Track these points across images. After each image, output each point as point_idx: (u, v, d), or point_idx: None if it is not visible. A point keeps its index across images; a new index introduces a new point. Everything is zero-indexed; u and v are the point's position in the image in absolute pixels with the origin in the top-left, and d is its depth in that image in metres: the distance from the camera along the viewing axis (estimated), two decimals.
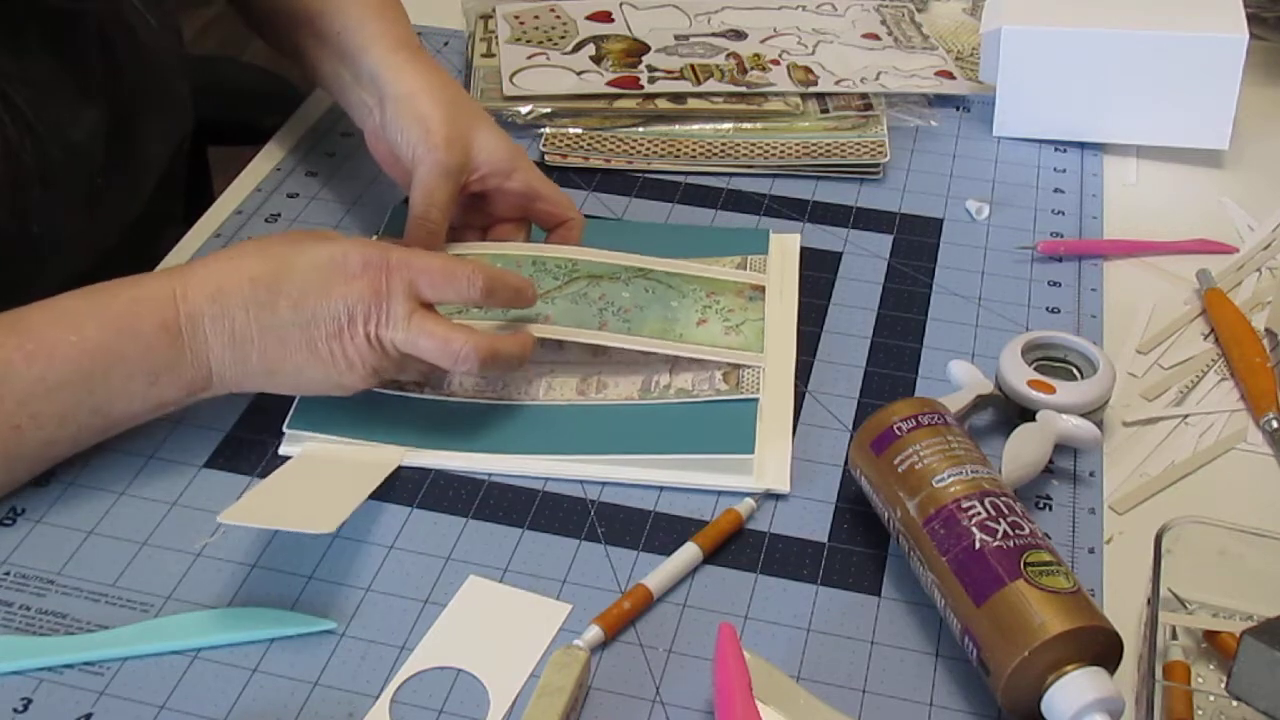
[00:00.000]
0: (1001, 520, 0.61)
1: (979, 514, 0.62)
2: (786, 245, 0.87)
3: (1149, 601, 0.61)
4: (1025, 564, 0.59)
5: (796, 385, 0.77)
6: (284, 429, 0.72)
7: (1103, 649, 0.58)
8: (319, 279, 0.66)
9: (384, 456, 0.71)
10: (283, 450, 0.72)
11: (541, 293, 0.77)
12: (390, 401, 0.74)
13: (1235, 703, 0.58)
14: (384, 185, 0.90)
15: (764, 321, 0.78)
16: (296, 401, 0.73)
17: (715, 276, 0.81)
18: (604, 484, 0.71)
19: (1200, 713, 0.60)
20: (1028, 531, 0.61)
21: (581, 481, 0.71)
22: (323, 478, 0.70)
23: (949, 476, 0.64)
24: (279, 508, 0.67)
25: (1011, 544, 0.60)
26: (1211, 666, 0.62)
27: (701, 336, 0.76)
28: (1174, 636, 0.63)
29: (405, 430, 0.72)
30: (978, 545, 0.61)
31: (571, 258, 0.80)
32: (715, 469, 0.70)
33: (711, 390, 0.74)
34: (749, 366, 0.74)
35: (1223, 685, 0.59)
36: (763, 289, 0.81)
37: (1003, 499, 0.63)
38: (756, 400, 0.73)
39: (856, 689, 0.61)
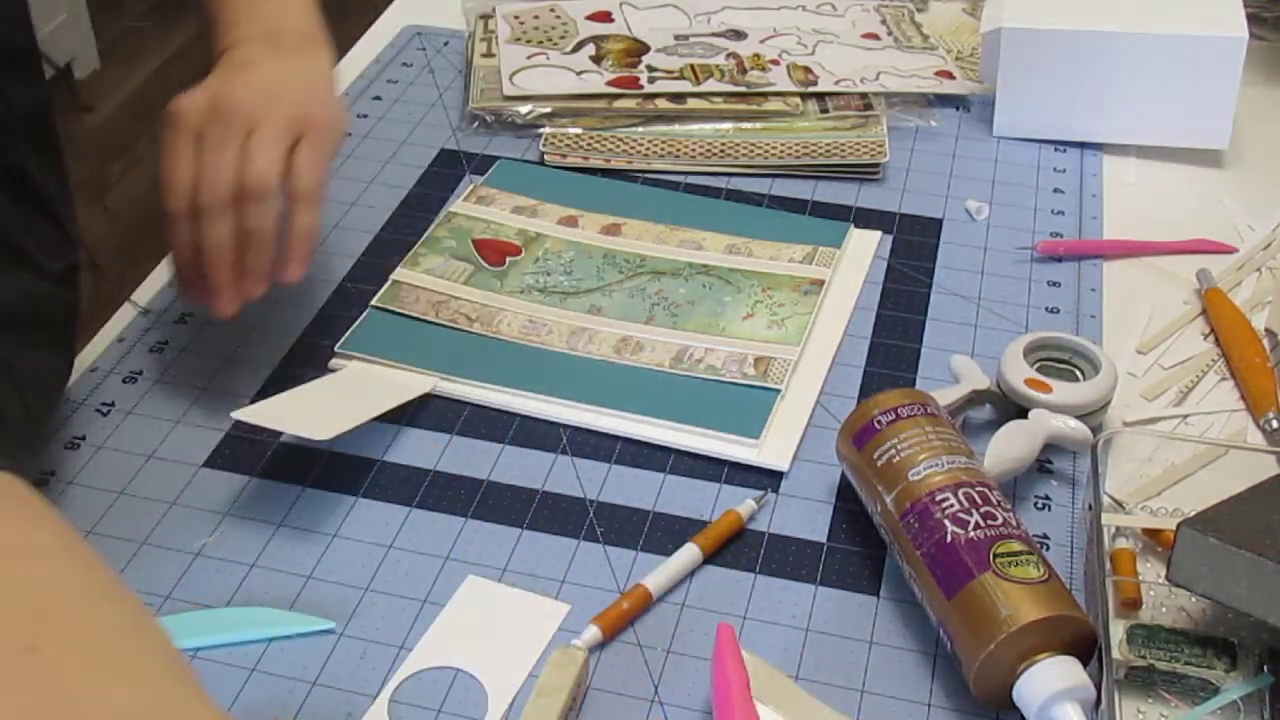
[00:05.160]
0: (974, 511, 0.62)
1: (952, 506, 0.62)
2: (864, 243, 0.88)
3: (1089, 506, 0.67)
4: (994, 555, 0.60)
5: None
6: (335, 349, 0.78)
7: (1074, 638, 0.58)
8: None
9: (418, 381, 0.76)
10: (330, 366, 0.77)
11: (605, 285, 0.82)
12: (437, 333, 0.79)
13: (1173, 591, 0.63)
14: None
15: (811, 316, 0.80)
16: (351, 328, 0.79)
17: (774, 272, 0.84)
18: (607, 474, 0.71)
19: (1143, 604, 0.64)
20: (1000, 521, 0.61)
21: (588, 457, 0.71)
22: (347, 393, 0.75)
23: (925, 469, 0.64)
24: (290, 413, 0.71)
25: (983, 535, 0.61)
26: (1149, 564, 0.66)
27: (741, 330, 0.79)
28: (1114, 538, 0.67)
29: (446, 360, 0.77)
30: (949, 538, 0.61)
31: (641, 253, 0.85)
32: (721, 440, 0.73)
33: (739, 374, 0.76)
34: (780, 358, 0.77)
35: (1161, 576, 0.63)
36: (820, 283, 0.83)
37: (978, 489, 0.63)
38: (777, 391, 0.75)
39: (855, 689, 0.61)
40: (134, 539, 0.67)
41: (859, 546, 0.68)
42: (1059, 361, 0.76)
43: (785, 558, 0.67)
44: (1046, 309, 0.83)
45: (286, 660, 0.62)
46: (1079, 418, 0.71)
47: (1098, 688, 0.57)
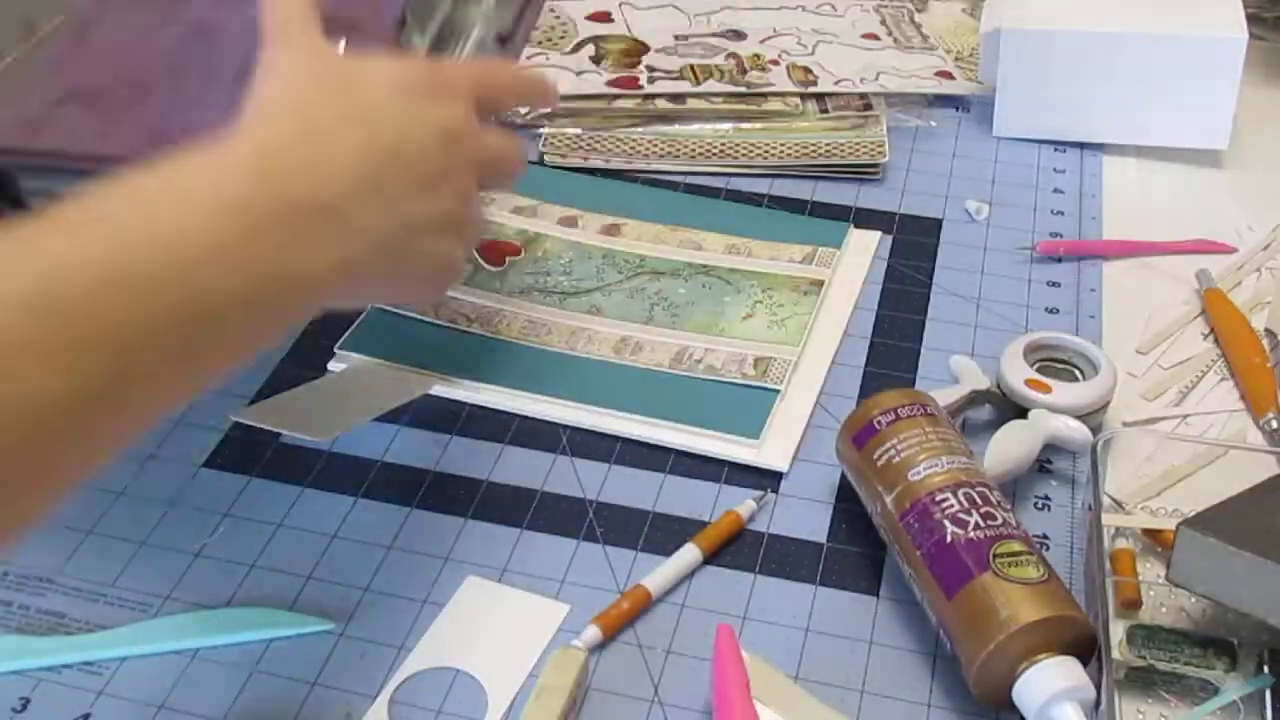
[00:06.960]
0: (974, 511, 0.62)
1: (952, 506, 0.62)
2: (864, 243, 0.88)
3: (1089, 507, 0.67)
4: (994, 555, 0.60)
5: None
6: (335, 349, 0.77)
7: (1074, 638, 0.58)
8: None
9: (417, 381, 0.76)
10: (330, 367, 0.77)
11: (604, 285, 0.83)
12: (436, 333, 0.79)
13: (1173, 591, 0.63)
14: None
15: (810, 316, 0.80)
16: (351, 328, 0.78)
17: (774, 272, 0.84)
18: (607, 474, 0.71)
19: (1143, 604, 0.64)
20: (1000, 521, 0.61)
21: (589, 455, 0.71)
22: (347, 393, 0.75)
23: (924, 469, 0.64)
24: (290, 413, 0.71)
25: (982, 535, 0.61)
26: (1149, 564, 0.66)
27: (742, 331, 0.79)
28: (1114, 539, 0.67)
29: (445, 360, 0.77)
30: (949, 538, 0.61)
31: (641, 254, 0.85)
32: (721, 440, 0.73)
33: (738, 374, 0.76)
34: (780, 358, 0.77)
35: (1161, 577, 0.63)
36: (820, 283, 0.83)
37: (978, 489, 0.63)
38: (777, 391, 0.75)
39: (855, 689, 0.61)
40: (134, 539, 0.67)
41: (859, 546, 0.68)
42: (1059, 362, 0.76)
43: (785, 558, 0.67)
44: (1046, 309, 0.83)
45: (285, 661, 0.62)
46: (1079, 418, 0.71)
47: (1098, 688, 0.57)
